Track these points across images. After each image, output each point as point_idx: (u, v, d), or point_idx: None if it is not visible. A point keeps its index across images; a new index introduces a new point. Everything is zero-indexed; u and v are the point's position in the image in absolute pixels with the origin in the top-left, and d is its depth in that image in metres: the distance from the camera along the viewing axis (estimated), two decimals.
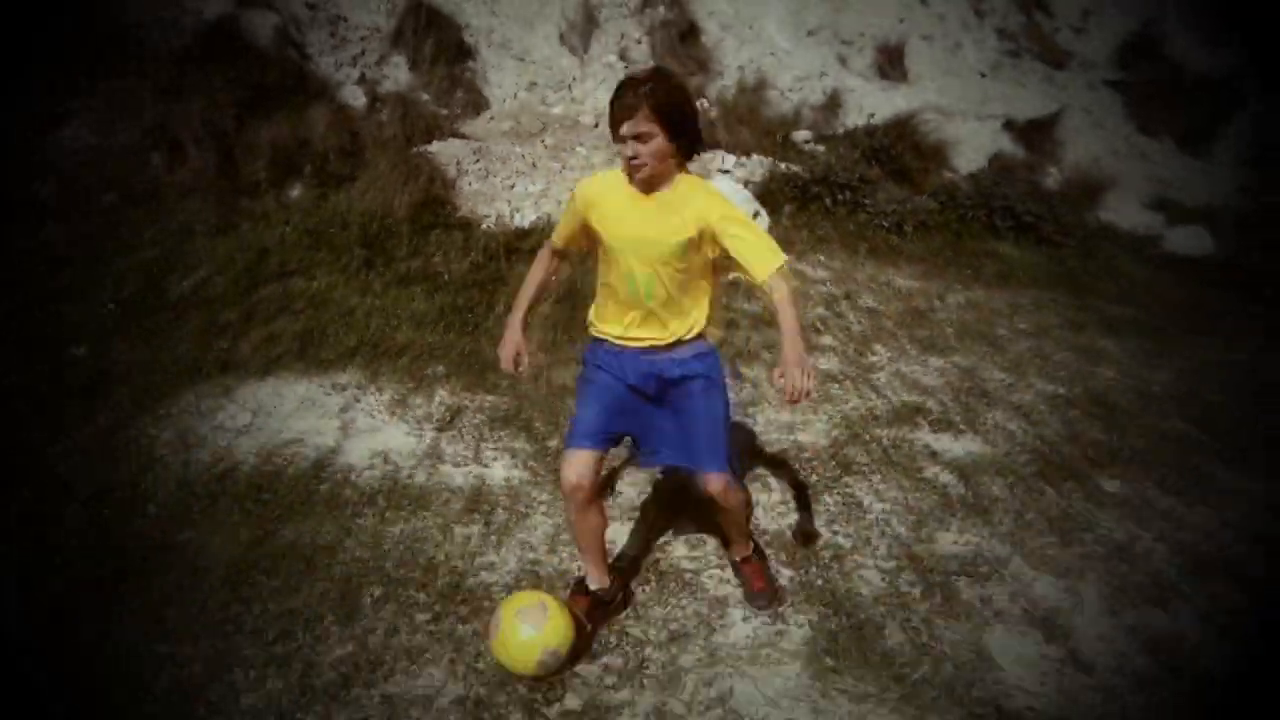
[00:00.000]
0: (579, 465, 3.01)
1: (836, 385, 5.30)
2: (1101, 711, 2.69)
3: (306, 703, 2.85)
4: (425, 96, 11.66)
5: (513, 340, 3.11)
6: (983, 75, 18.09)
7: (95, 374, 4.88)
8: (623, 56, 14.59)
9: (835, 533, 3.81)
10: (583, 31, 15.15)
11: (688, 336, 3.08)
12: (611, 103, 2.87)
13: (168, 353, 5.23)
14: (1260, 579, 3.46)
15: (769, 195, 9.35)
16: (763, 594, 3.41)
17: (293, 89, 10.17)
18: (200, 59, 9.55)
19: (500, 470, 4.24)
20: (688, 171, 2.96)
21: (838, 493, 4.07)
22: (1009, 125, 14.51)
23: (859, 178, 9.73)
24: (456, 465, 4.23)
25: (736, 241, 2.84)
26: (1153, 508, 4.08)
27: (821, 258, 8.13)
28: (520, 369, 3.12)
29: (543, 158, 10.77)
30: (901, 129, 12.13)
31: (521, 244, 7.79)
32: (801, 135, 13.11)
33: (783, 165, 10.14)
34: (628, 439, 3.23)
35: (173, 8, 10.44)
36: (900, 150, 11.41)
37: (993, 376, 5.60)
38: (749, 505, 3.45)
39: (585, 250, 3.15)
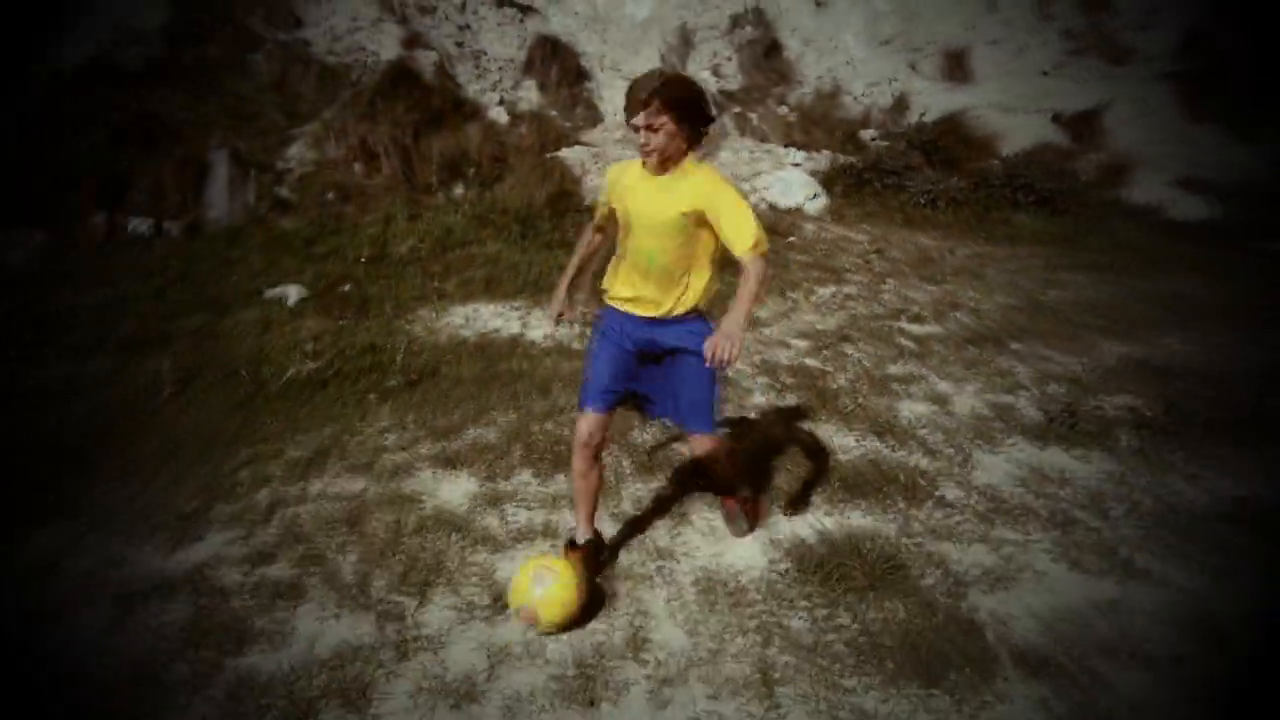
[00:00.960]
0: (590, 424, 3.38)
1: (852, 301, 7.65)
2: (975, 429, 4.77)
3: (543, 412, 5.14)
4: (553, 113, 14.41)
5: (557, 300, 3.62)
6: (1045, 74, 19.91)
7: (362, 299, 7.63)
8: (715, 72, 17.09)
9: (824, 363, 6.13)
10: (680, 52, 17.73)
11: (680, 310, 3.32)
12: (627, 95, 3.16)
13: (404, 287, 7.96)
14: (1090, 384, 5.39)
15: (829, 180, 11.71)
16: (734, 519, 3.89)
17: (452, 111, 13.04)
18: (386, 92, 12.50)
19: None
20: (697, 157, 3.23)
21: (833, 349, 6.39)
22: (1057, 118, 16.40)
23: (904, 165, 11.99)
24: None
25: (722, 218, 3.10)
26: (1036, 356, 6.25)
27: (865, 226, 10.47)
28: (560, 322, 3.69)
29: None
30: (952, 123, 14.26)
31: None
32: (868, 134, 15.35)
33: (842, 157, 12.47)
34: (635, 403, 3.57)
35: (361, 52, 13.50)
36: (949, 142, 13.57)
37: (968, 296, 7.78)
38: (733, 458, 3.76)
39: (614, 230, 3.48)
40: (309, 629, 3.36)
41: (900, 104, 17.32)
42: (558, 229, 10.17)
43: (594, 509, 3.57)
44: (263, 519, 4.17)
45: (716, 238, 3.20)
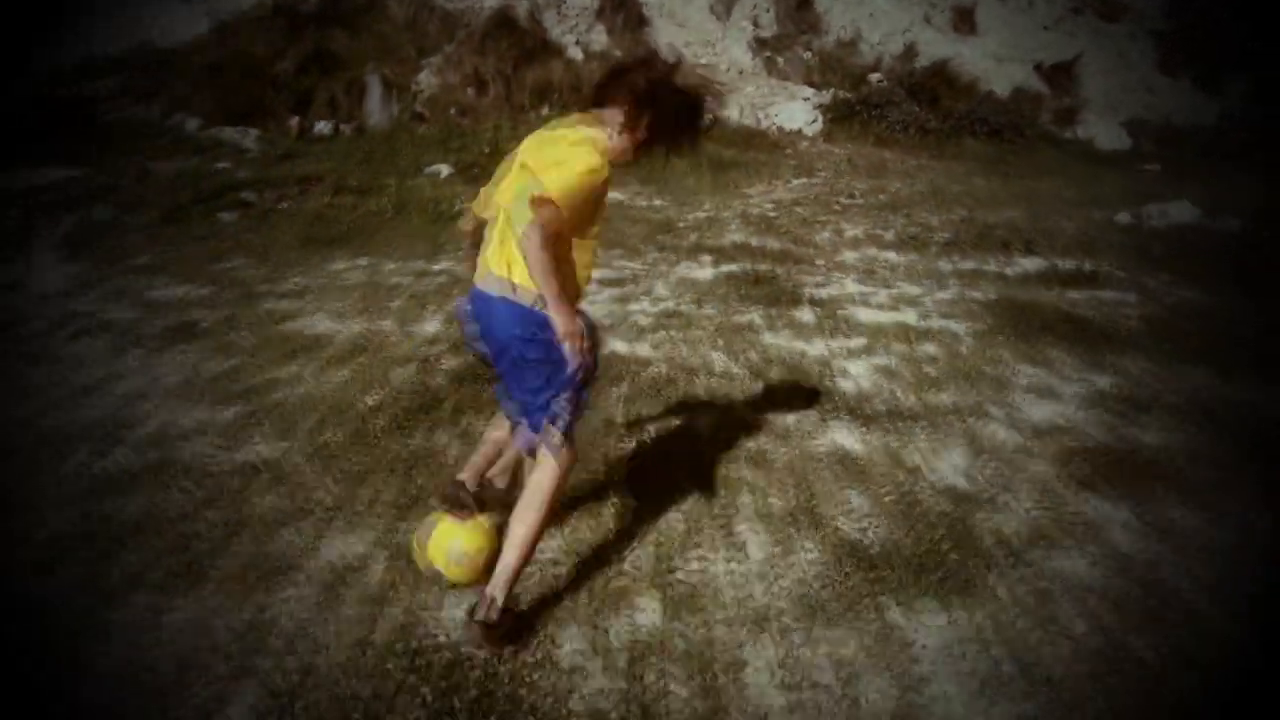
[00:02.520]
0: None
1: (814, 187, 11.32)
2: (850, 242, 8.28)
3: None
4: (618, 53, 18.11)
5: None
6: (1045, 29, 23.05)
7: (488, 174, 11.59)
8: (755, 23, 20.56)
9: (778, 214, 9.83)
10: (726, 4, 21.21)
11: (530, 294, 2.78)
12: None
13: None
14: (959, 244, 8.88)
15: (827, 111, 15.33)
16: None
17: (541, 50, 16.84)
18: (491, 33, 16.35)
19: None
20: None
21: (788, 208, 10.10)
22: (1038, 67, 19.68)
23: (889, 100, 15.54)
24: None
25: None
26: (914, 215, 9.83)
27: (846, 144, 14.13)
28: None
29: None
30: (944, 69, 17.68)
31: None
32: (875, 77, 18.80)
33: (842, 93, 16.05)
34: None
35: (474, 2, 17.33)
36: (935, 84, 17.03)
37: (894, 187, 11.38)
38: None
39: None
40: None
41: (909, 52, 20.63)
42: None
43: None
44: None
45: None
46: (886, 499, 3.80)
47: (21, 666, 2.69)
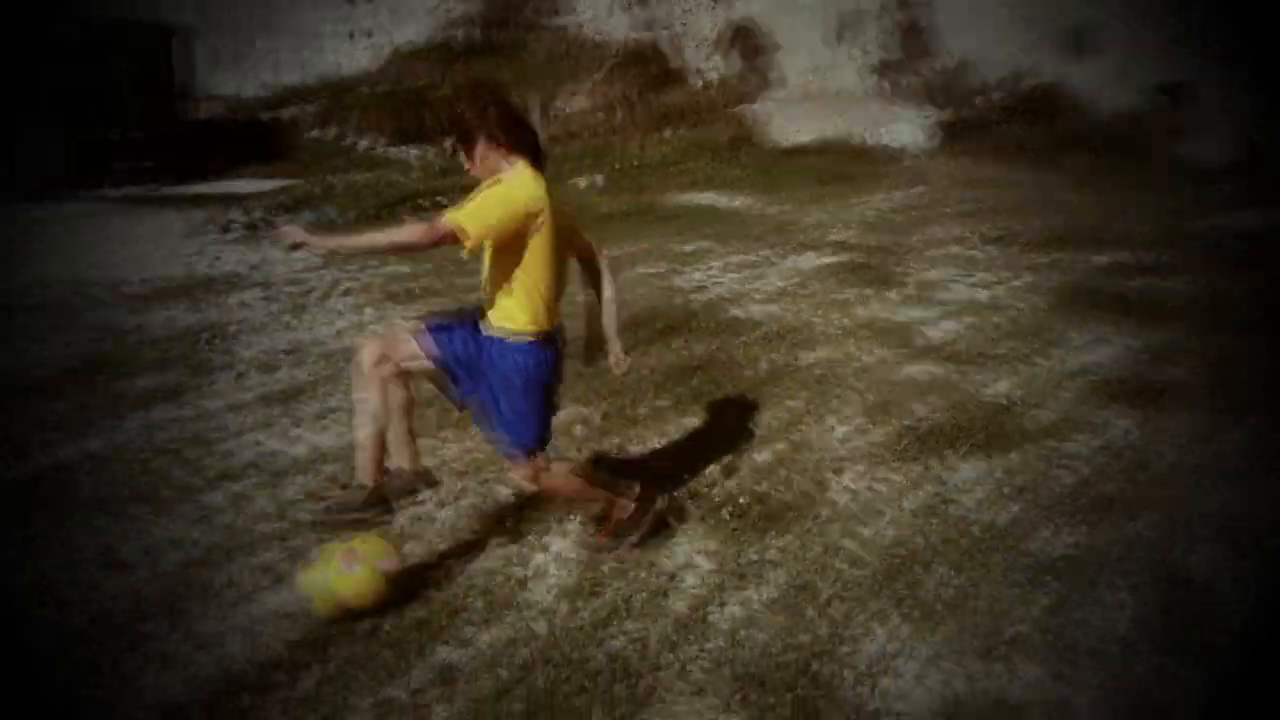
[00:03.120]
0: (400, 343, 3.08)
1: (917, 198, 12.50)
2: (941, 240, 9.43)
3: None
4: (736, 79, 19.64)
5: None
6: (1165, 51, 23.54)
7: (631, 186, 13.19)
8: (864, 50, 21.79)
9: (881, 217, 11.07)
10: (841, 32, 22.51)
11: (501, 328, 3.05)
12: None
13: (648, 180, 13.52)
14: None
15: (933, 129, 16.50)
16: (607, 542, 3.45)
17: (669, 76, 18.53)
18: (626, 62, 18.12)
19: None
20: (509, 170, 3.02)
21: (898, 214, 11.34)
22: (1150, 87, 20.29)
23: (994, 120, 16.58)
24: None
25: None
26: (994, 220, 10.90)
27: (951, 161, 15.28)
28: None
29: (809, 113, 18.43)
30: (1050, 89, 18.61)
31: (798, 152, 15.62)
32: (983, 98, 19.79)
33: (950, 114, 17.18)
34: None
35: (605, 33, 19.16)
36: (1043, 104, 17.99)
37: (989, 195, 12.50)
38: (572, 480, 3.40)
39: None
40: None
41: (1021, 73, 21.49)
42: (735, 159, 15.52)
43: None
44: None
45: (518, 254, 2.99)
46: (942, 406, 5.11)
47: None
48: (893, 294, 7.73)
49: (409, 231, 2.93)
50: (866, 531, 3.71)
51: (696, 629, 3.02)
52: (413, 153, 15.38)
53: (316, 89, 18.05)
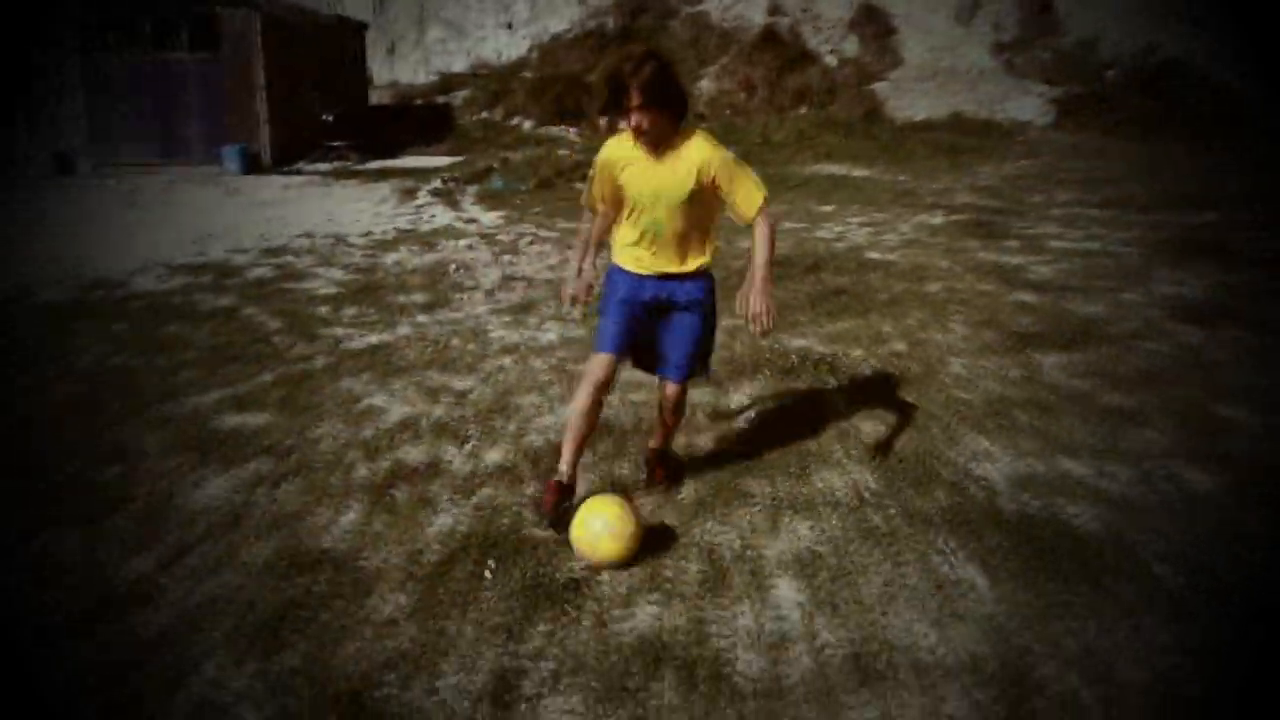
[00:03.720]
0: (603, 364, 3.42)
1: (1035, 168, 13.44)
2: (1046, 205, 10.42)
3: None
4: (867, 59, 20.68)
5: (573, 284, 3.60)
6: None
7: (760, 160, 14.55)
8: (995, 27, 22.44)
9: (1003, 184, 12.10)
10: (969, 10, 23.19)
11: (695, 268, 3.45)
12: (610, 80, 3.31)
13: (782, 156, 14.84)
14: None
15: (1056, 104, 17.26)
16: (660, 481, 3.83)
17: (800, 58, 19.72)
18: (758, 45, 19.41)
19: None
20: (683, 127, 3.30)
21: (1014, 181, 12.35)
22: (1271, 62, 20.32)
23: (1116, 95, 17.24)
24: None
25: (730, 186, 3.26)
26: (1104, 191, 11.82)
27: (1074, 133, 16.08)
28: (575, 304, 3.63)
29: (933, 90, 19.37)
30: (1173, 65, 19.06)
31: (921, 128, 16.68)
32: (1109, 73, 20.30)
33: (1074, 89, 17.89)
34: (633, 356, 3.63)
35: (741, 19, 20.47)
36: (1166, 79, 18.49)
37: (1117, 170, 13.30)
38: (681, 416, 3.80)
39: (616, 203, 3.47)
40: None
41: (1146, 50, 21.82)
42: (869, 133, 16.68)
43: (581, 452, 3.58)
44: None
45: (720, 202, 3.37)
46: (1039, 320, 6.38)
47: None
48: (1007, 244, 8.92)
49: (768, 229, 3.34)
50: (974, 391, 5.07)
51: (853, 437, 4.46)
52: (570, 131, 17.08)
53: (479, 75, 19.96)
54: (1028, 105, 17.14)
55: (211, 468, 4.13)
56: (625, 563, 3.24)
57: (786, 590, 3.14)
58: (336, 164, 15.14)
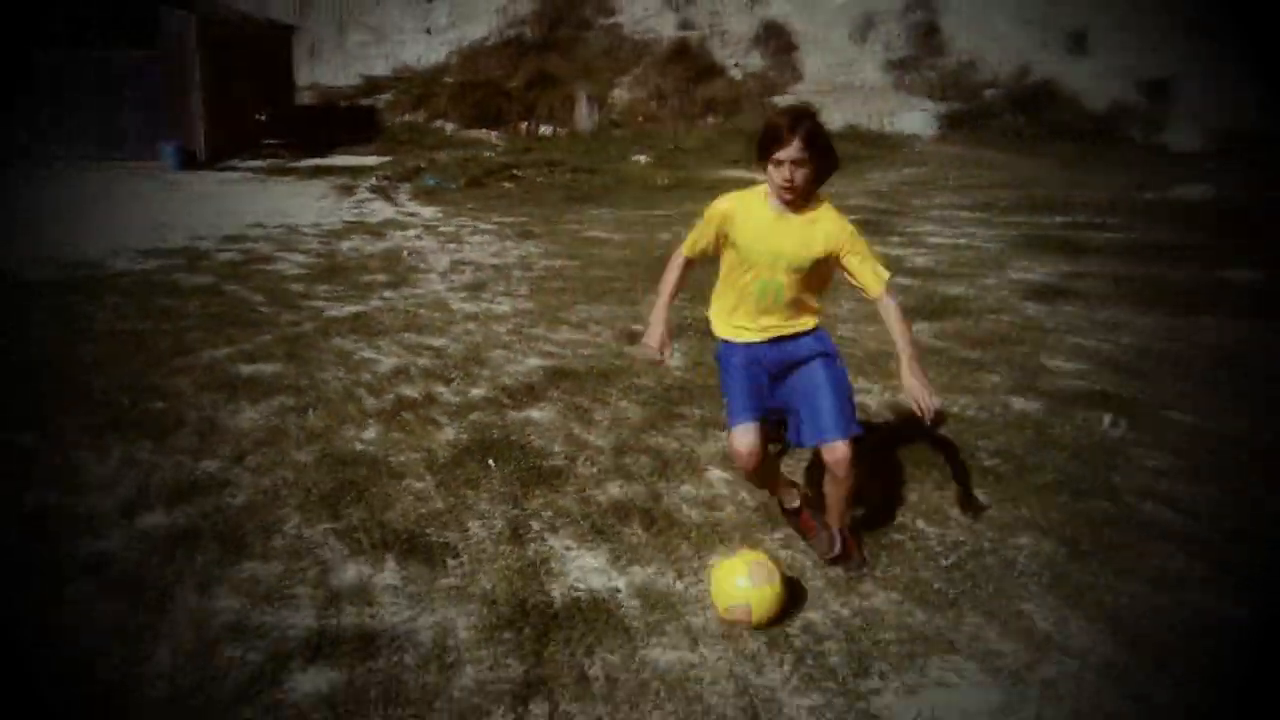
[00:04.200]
0: (746, 434, 3.26)
1: (915, 175, 15.01)
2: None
3: None
4: (771, 73, 22.16)
5: (657, 332, 3.40)
6: (1154, 49, 25.82)
7: (675, 164, 15.75)
8: (887, 46, 24.23)
9: (883, 188, 13.60)
10: (863, 30, 24.96)
11: (805, 328, 3.35)
12: (770, 130, 3.10)
13: (694, 162, 16.07)
14: None
15: (940, 119, 18.98)
16: (852, 559, 3.43)
17: (708, 70, 21.07)
18: (670, 57, 20.67)
19: None
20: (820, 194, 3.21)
21: (898, 185, 13.86)
22: (1137, 82, 22.65)
23: (994, 112, 19.06)
24: None
25: (855, 263, 3.17)
26: (969, 190, 13.45)
27: (955, 146, 17.76)
28: (666, 355, 3.43)
29: (830, 104, 20.93)
30: (1046, 85, 21.03)
31: None
32: (990, 92, 22.23)
33: (956, 105, 19.66)
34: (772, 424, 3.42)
35: (653, 31, 21.72)
36: (1040, 98, 20.43)
37: (973, 172, 14.97)
38: (859, 479, 3.40)
39: (712, 257, 3.39)
40: None
41: (1022, 71, 23.89)
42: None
43: (782, 479, 3.57)
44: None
45: (833, 271, 3.28)
46: (915, 297, 7.65)
47: None
48: (891, 239, 10.27)
49: (898, 304, 3.27)
50: (855, 347, 6.27)
51: None
52: (492, 134, 18.02)
53: (401, 79, 20.72)
54: (915, 119, 18.81)
55: (242, 402, 5.03)
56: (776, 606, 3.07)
57: (716, 474, 4.24)
58: (270, 162, 15.76)
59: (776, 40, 22.83)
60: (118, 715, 2.66)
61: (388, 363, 5.73)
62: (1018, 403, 5.27)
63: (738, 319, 3.40)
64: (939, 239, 10.31)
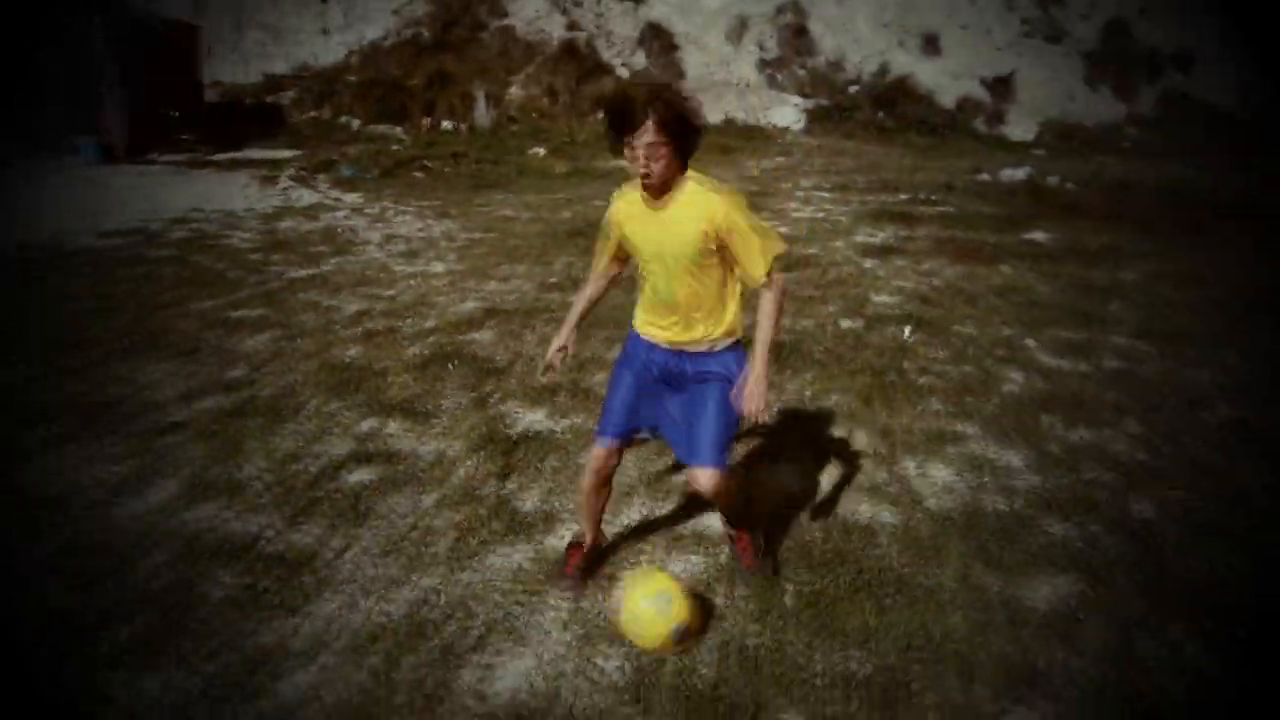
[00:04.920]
0: (604, 453, 3.19)
1: (790, 161, 16.87)
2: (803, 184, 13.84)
3: None
4: (655, 71, 23.81)
5: (555, 344, 3.31)
6: (998, 50, 28.49)
7: (569, 155, 17.26)
8: (760, 46, 26.20)
9: (760, 174, 15.41)
10: (738, 31, 26.87)
11: (715, 336, 3.09)
12: (619, 108, 2.81)
13: (586, 154, 17.61)
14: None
15: (809, 113, 20.96)
16: (751, 569, 3.45)
17: (595, 69, 22.57)
18: (560, 57, 22.12)
19: None
20: (689, 173, 2.93)
21: (770, 172, 15.68)
22: (982, 80, 25.18)
23: (855, 106, 21.15)
24: None
25: (736, 242, 2.89)
26: (841, 174, 15.41)
27: (820, 137, 19.75)
28: (557, 363, 3.32)
29: (709, 100, 22.71)
30: (902, 83, 23.26)
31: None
32: (852, 88, 24.39)
33: (823, 101, 21.69)
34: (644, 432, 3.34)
35: (543, 32, 23.10)
36: (895, 94, 22.62)
37: (838, 161, 16.89)
38: (737, 494, 3.46)
39: (624, 266, 3.26)
40: None
41: (882, 70, 26.19)
42: None
43: (600, 520, 3.47)
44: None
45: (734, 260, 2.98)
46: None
47: None
48: (760, 214, 11.98)
49: (777, 297, 3.02)
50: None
51: None
52: (397, 129, 19.15)
53: (301, 77, 21.60)
54: (786, 113, 20.75)
55: (240, 335, 6.32)
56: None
57: None
58: (188, 155, 16.57)
59: (658, 41, 24.50)
60: (238, 504, 4.03)
61: (351, 308, 7.07)
62: (845, 323, 6.97)
63: (649, 315, 3.20)
64: (800, 214, 12.09)
